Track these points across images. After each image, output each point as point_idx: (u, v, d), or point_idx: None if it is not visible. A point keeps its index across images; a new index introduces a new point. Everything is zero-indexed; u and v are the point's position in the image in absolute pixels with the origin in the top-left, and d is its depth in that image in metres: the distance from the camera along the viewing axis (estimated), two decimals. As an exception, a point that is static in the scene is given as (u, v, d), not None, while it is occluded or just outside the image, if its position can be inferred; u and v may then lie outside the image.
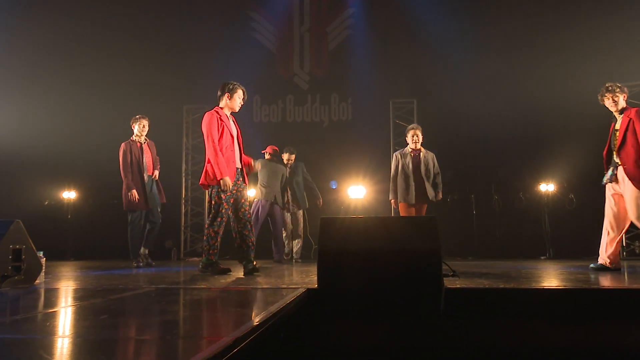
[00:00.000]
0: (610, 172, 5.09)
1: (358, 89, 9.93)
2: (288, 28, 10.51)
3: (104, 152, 9.28)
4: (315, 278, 3.37)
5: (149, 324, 2.27)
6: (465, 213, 9.16)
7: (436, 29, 9.76)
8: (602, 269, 4.98)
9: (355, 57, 10.06)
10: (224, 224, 4.88)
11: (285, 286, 3.67)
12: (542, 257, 8.39)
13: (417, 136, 6.67)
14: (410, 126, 6.88)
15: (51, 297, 3.27)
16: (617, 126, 5.06)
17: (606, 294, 3.37)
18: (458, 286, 3.49)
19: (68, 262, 8.35)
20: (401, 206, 6.59)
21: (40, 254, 4.09)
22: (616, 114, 5.11)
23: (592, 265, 5.13)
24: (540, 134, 8.87)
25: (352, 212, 8.82)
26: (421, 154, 6.68)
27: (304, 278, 4.35)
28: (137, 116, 6.74)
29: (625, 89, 5.13)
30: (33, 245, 3.97)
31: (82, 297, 3.19)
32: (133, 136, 6.70)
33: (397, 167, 6.68)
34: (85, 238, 9.56)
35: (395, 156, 6.77)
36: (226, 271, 4.94)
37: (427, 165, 6.63)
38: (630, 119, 4.93)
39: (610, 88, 5.07)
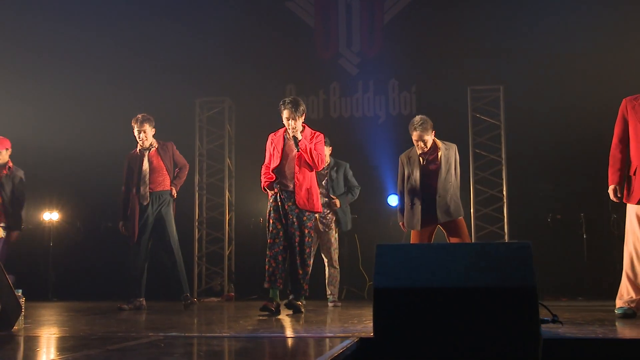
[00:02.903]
0: None
1: (424, 74, 9.94)
2: (331, -5, 10.63)
3: (95, 160, 9.57)
4: (371, 324, 3.41)
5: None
6: (572, 238, 9.02)
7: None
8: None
9: (419, 32, 10.07)
10: (275, 246, 5.64)
11: (331, 334, 3.73)
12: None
13: (422, 142, 6.03)
14: (412, 125, 6.08)
15: (34, 348, 3.41)
16: None
17: None
18: (561, 336, 3.47)
19: (50, 303, 8.62)
20: (412, 233, 6.15)
21: (19, 292, 4.26)
22: None
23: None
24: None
25: (419, 238, 8.80)
26: (439, 152, 6.08)
27: (356, 324, 4.40)
28: (137, 116, 6.90)
29: None
30: (11, 282, 4.13)
31: (73, 347, 3.33)
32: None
33: (402, 175, 6.25)
34: (72, 273, 9.79)
35: (400, 160, 6.30)
36: (265, 308, 5.42)
37: (447, 166, 6.06)
38: None
39: None
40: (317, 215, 7.17)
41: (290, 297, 5.73)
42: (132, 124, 6.82)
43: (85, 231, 10.30)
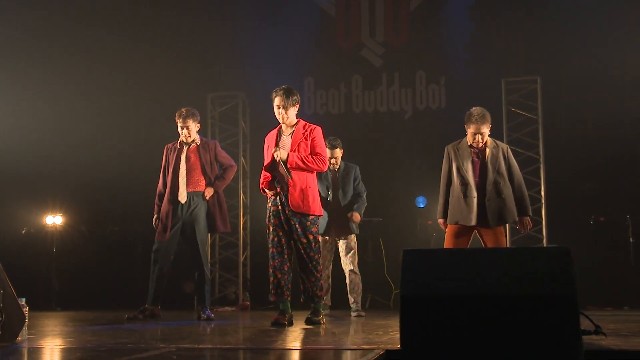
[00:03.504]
0: None
1: (454, 65, 9.94)
2: (352, -20, 10.65)
3: (100, 160, 9.66)
4: (397, 335, 3.43)
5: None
6: (617, 242, 8.97)
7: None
8: None
9: (449, 19, 10.08)
10: (279, 255, 5.62)
11: (354, 347, 3.75)
12: None
13: (480, 135, 6.05)
14: (472, 116, 6.08)
15: (39, 360, 3.48)
16: None
17: None
18: (605, 348, 3.47)
19: (54, 312, 8.72)
20: (449, 230, 6.17)
21: (22, 301, 4.32)
22: None
23: None
24: None
25: (449, 242, 8.79)
26: (487, 149, 6.15)
27: (381, 336, 4.42)
28: (181, 110, 6.83)
29: None
30: (13, 291, 4.20)
31: (79, 359, 3.38)
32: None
33: (448, 168, 6.25)
34: (77, 280, 9.88)
35: (447, 151, 6.28)
36: (277, 323, 5.40)
37: (496, 166, 6.10)
38: None
39: None
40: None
41: (310, 311, 5.68)
42: (176, 119, 6.79)
43: (91, 236, 10.37)
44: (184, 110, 6.80)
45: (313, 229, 5.61)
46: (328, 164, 5.96)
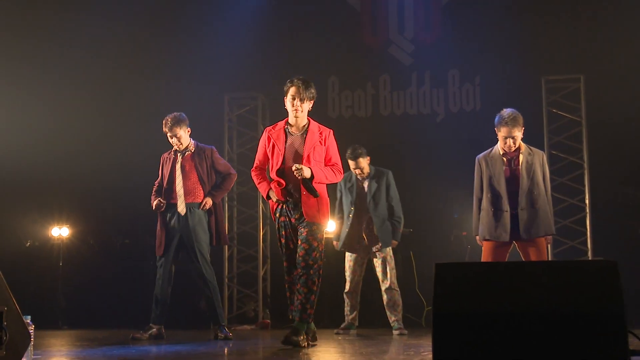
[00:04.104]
0: None
1: (490, 62, 9.89)
2: (380, -28, 10.66)
3: (109, 169, 9.71)
4: (430, 356, 3.43)
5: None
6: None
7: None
8: None
9: (484, 13, 10.04)
10: (291, 270, 5.62)
11: (383, 368, 3.76)
12: None
13: (512, 139, 6.05)
14: (502, 119, 6.09)
15: (46, 382, 3.52)
16: None
17: None
18: (656, 370, 3.44)
19: (60, 331, 8.79)
20: (485, 246, 6.17)
21: (27, 319, 4.37)
22: None
23: None
24: None
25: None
26: (521, 156, 6.15)
27: (412, 356, 4.42)
28: (166, 119, 6.88)
29: None
30: (18, 308, 4.25)
31: (89, 381, 3.42)
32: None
33: (480, 180, 6.28)
34: (85, 296, 9.91)
35: (478, 162, 6.31)
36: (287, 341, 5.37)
37: (530, 173, 6.09)
38: None
39: None
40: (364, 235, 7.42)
41: (289, 331, 5.49)
42: (163, 129, 6.86)
43: (100, 249, 10.41)
44: (169, 118, 6.85)
45: (319, 236, 5.54)
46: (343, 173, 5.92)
